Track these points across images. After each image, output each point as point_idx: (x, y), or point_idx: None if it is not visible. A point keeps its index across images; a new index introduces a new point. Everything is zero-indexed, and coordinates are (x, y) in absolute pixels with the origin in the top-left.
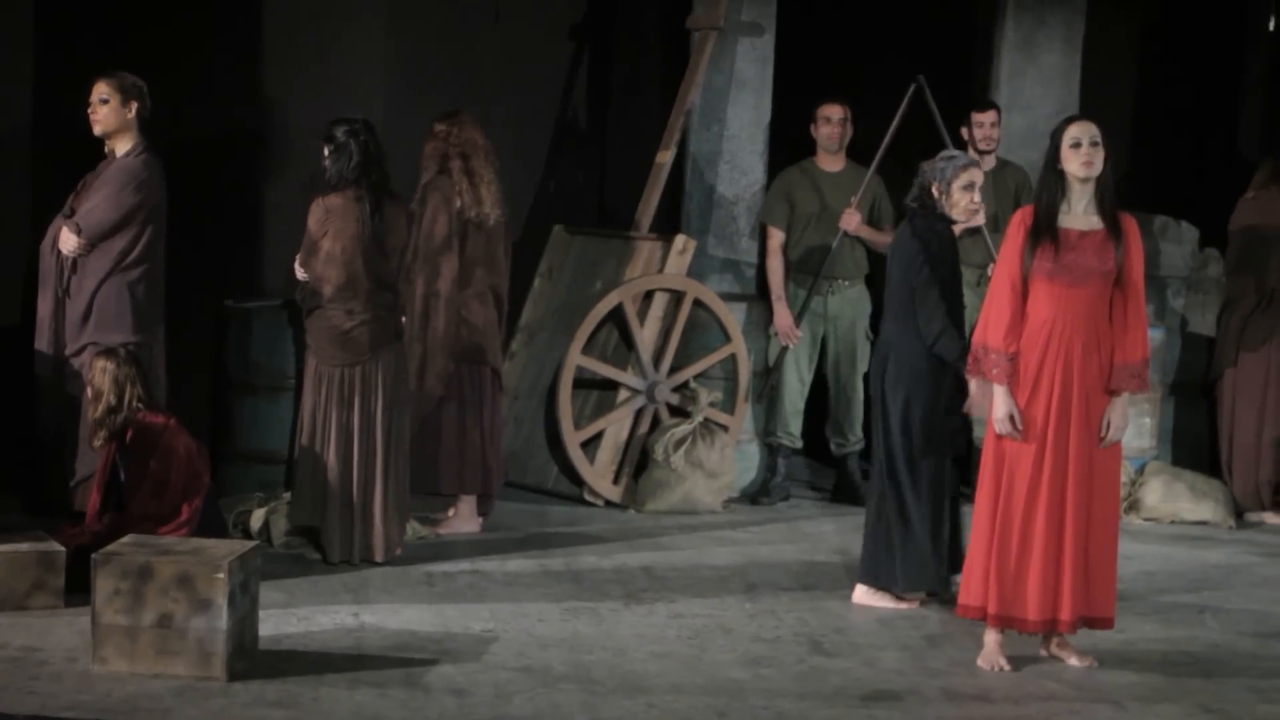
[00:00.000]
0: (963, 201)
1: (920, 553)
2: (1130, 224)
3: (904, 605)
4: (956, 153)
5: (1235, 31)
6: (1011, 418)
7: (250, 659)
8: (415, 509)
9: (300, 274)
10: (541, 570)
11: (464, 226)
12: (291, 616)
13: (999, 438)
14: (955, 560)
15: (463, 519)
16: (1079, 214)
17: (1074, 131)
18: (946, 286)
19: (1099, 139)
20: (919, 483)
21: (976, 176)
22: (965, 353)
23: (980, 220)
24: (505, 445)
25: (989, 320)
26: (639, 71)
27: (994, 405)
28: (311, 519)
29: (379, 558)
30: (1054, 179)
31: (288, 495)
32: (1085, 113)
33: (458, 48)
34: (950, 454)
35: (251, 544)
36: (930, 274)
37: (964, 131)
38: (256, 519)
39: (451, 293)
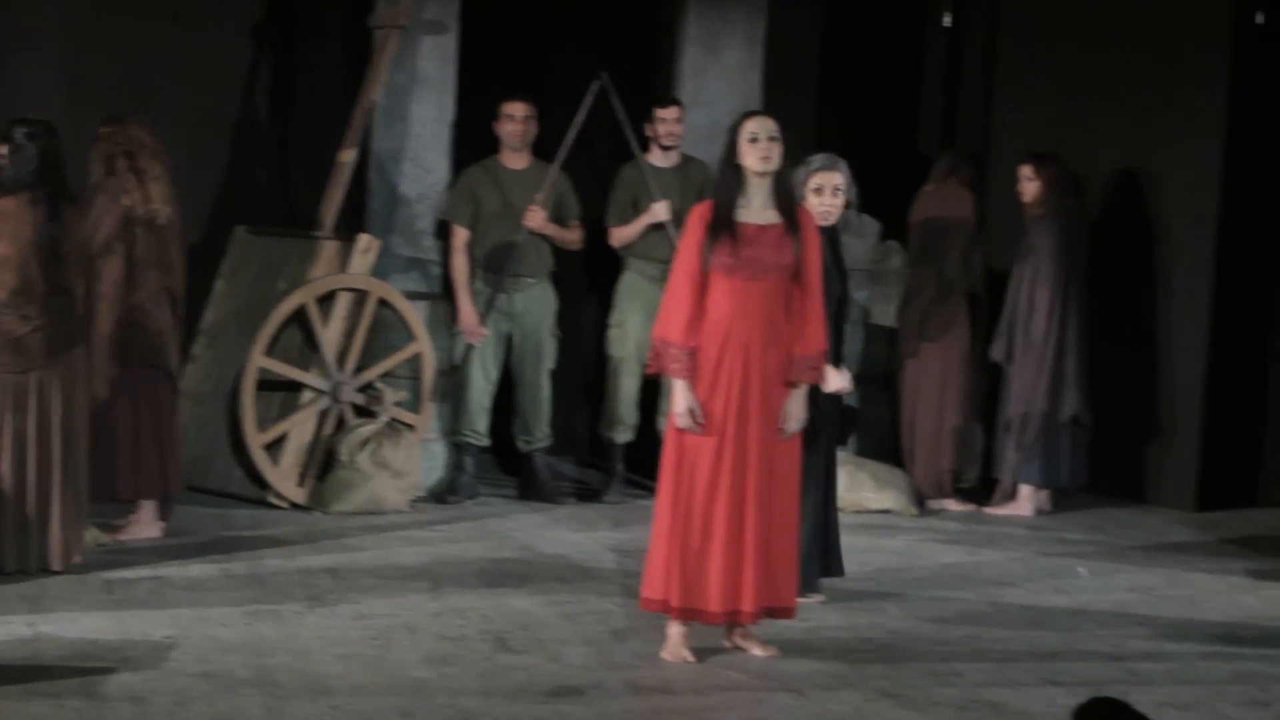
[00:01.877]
0: (813, 203)
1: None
2: (808, 218)
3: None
4: (818, 157)
5: (914, 28)
6: (691, 412)
7: None
8: (95, 515)
9: None
10: (224, 574)
11: (133, 226)
12: None
13: (679, 432)
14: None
15: (143, 524)
16: (757, 208)
17: (751, 126)
18: None
19: (776, 134)
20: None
21: (827, 180)
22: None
23: (664, 216)
24: (188, 449)
25: (668, 315)
26: (321, 70)
27: (674, 400)
28: None
29: (56, 566)
30: (732, 174)
31: None
32: (768, 109)
33: (136, 47)
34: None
35: None
36: None
37: (648, 128)
38: None
39: (114, 295)
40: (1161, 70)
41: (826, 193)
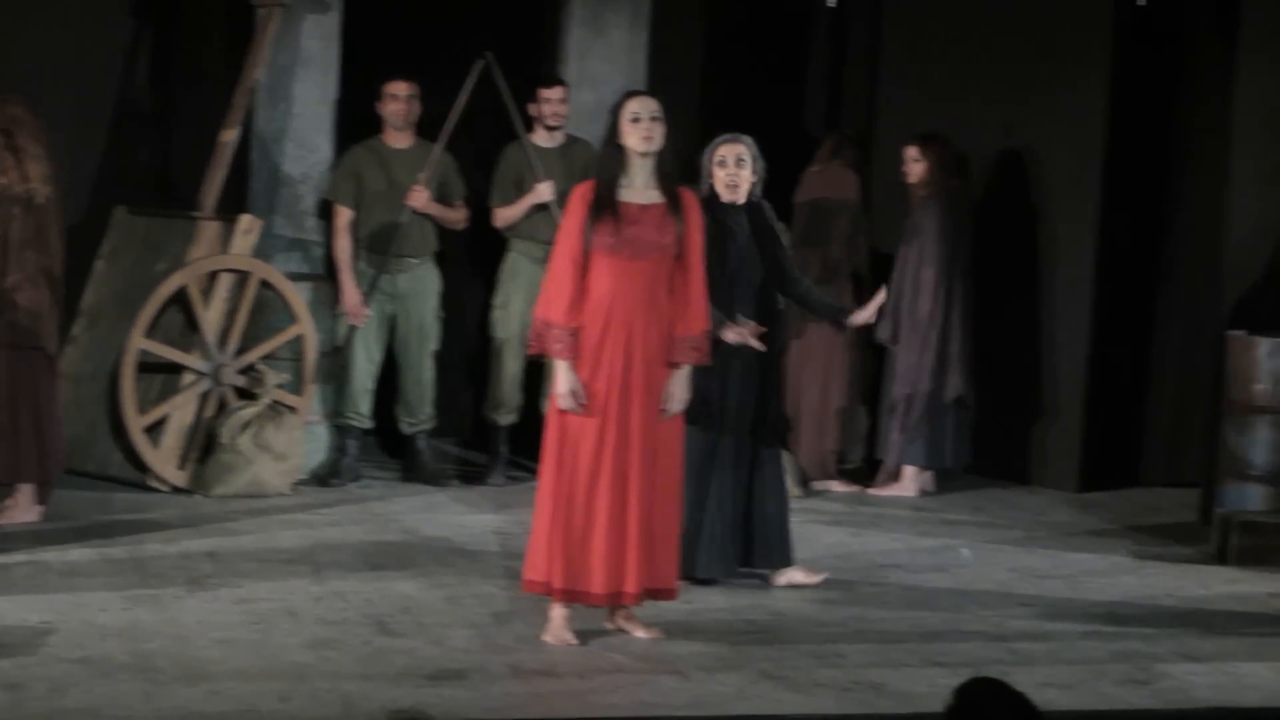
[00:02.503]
0: (717, 176)
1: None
2: (690, 198)
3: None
4: (730, 135)
5: (799, 8)
6: (574, 392)
7: None
8: None
9: None
10: (103, 559)
11: (10, 206)
12: None
13: (561, 413)
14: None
15: (20, 508)
16: (639, 188)
17: (633, 106)
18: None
19: (659, 114)
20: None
21: (730, 150)
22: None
23: (548, 196)
24: (67, 431)
25: (550, 295)
26: (203, 49)
27: (556, 380)
28: None
29: None
30: (614, 153)
31: None
32: (652, 89)
33: (14, 24)
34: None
35: None
36: None
37: (532, 108)
38: None
39: None
40: (1045, 51)
41: (730, 163)
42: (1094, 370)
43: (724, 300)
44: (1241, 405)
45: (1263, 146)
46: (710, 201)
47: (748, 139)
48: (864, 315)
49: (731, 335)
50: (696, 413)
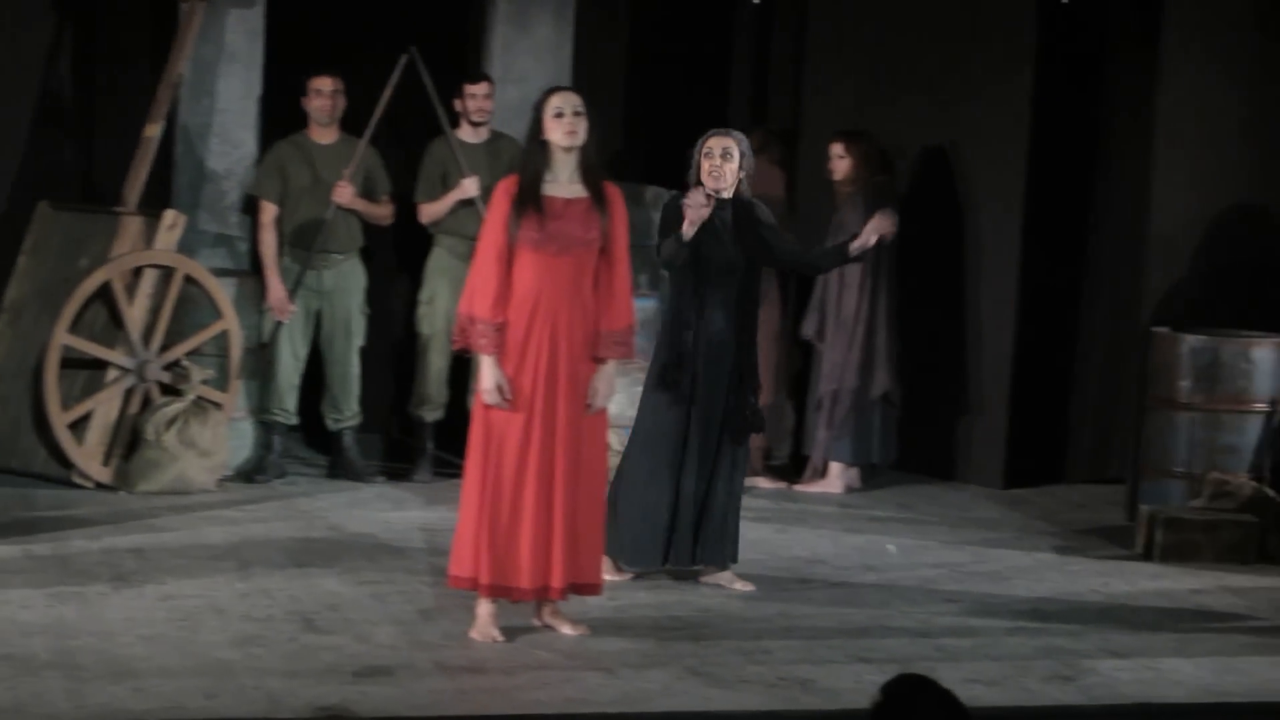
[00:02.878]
0: (702, 166)
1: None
2: (614, 193)
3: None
4: (721, 129)
5: (723, 4)
6: (499, 388)
7: None
8: None
9: None
10: (26, 556)
11: None
12: None
13: (487, 408)
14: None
15: None
16: (563, 183)
17: (556, 101)
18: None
19: (581, 109)
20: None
21: (716, 144)
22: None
23: (474, 192)
24: None
25: (474, 291)
26: (126, 44)
27: (481, 376)
28: None
29: None
30: (538, 149)
31: None
32: (578, 85)
33: None
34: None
35: None
36: (656, 246)
37: (458, 103)
38: None
39: None
40: (969, 48)
41: (716, 155)
42: (1019, 367)
43: (690, 287)
44: (1165, 402)
45: (1185, 142)
46: (681, 195)
47: (738, 134)
48: (861, 242)
49: (689, 213)
50: (669, 376)
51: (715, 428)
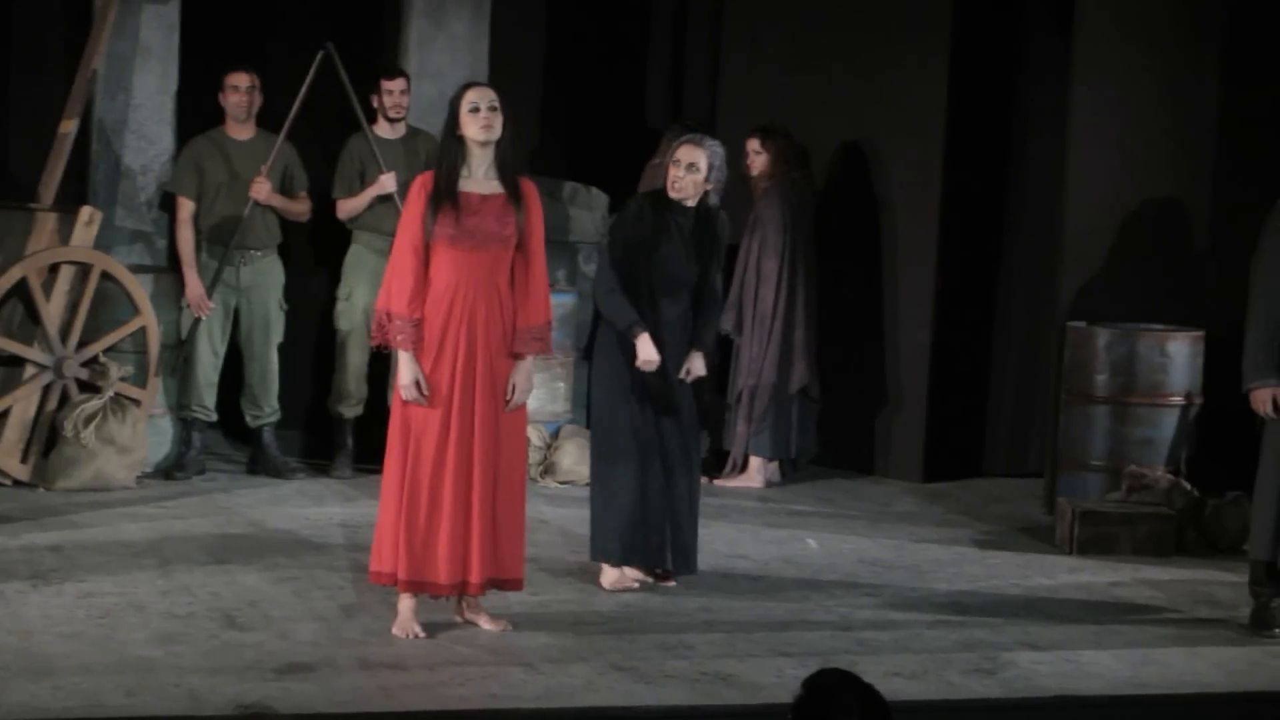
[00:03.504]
0: (669, 172)
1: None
2: (530, 189)
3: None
4: (696, 137)
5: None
6: (417, 383)
7: None
8: None
9: None
10: None
11: None
12: None
13: (405, 404)
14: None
15: None
16: (480, 178)
17: (472, 96)
18: (631, 255)
19: (497, 103)
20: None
21: (685, 154)
22: (627, 313)
23: (391, 187)
24: None
25: (391, 287)
26: (41, 39)
27: (399, 372)
28: None
29: None
30: (454, 144)
31: None
32: (495, 81)
33: None
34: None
35: None
36: (609, 245)
37: (374, 99)
38: None
39: None
40: (885, 41)
41: (682, 165)
42: (937, 361)
43: (643, 293)
44: (1082, 395)
45: (1099, 137)
46: (658, 196)
47: (713, 145)
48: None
49: (646, 355)
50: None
51: (677, 426)
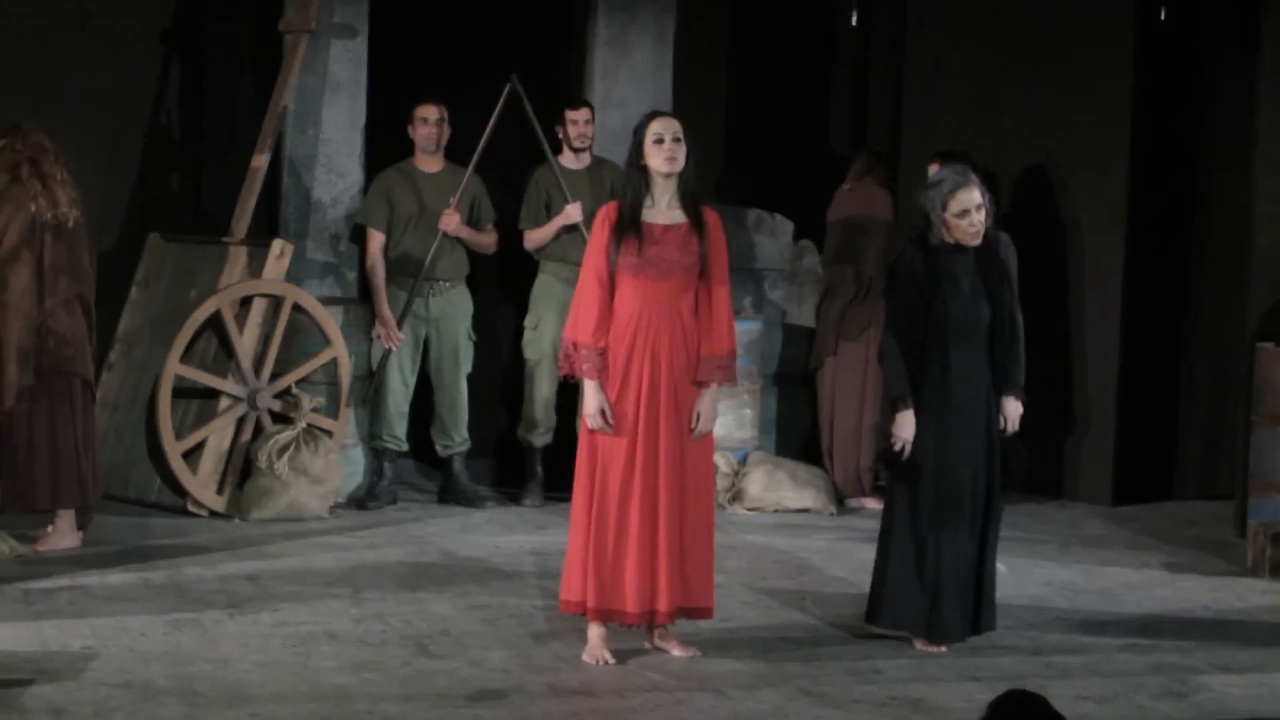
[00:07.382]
0: (960, 226)
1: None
2: (712, 217)
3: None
4: (945, 176)
5: (822, 27)
6: (603, 412)
7: None
8: (12, 526)
9: None
10: (143, 583)
11: (42, 233)
12: None
13: (591, 433)
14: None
15: (61, 534)
16: (663, 208)
17: (656, 127)
18: (915, 313)
19: (680, 134)
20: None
21: (969, 200)
22: (899, 384)
23: (577, 217)
24: (106, 458)
25: (577, 316)
26: (232, 75)
27: (585, 400)
28: None
29: None
30: (637, 174)
31: None
32: (678, 110)
33: (44, 55)
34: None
35: None
36: (891, 302)
37: (559, 130)
38: None
39: (22, 302)
40: (1067, 67)
41: (973, 212)
42: (1125, 384)
43: (933, 346)
44: (1271, 416)
45: None
46: (924, 242)
47: (971, 175)
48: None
49: (895, 434)
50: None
51: (982, 491)
